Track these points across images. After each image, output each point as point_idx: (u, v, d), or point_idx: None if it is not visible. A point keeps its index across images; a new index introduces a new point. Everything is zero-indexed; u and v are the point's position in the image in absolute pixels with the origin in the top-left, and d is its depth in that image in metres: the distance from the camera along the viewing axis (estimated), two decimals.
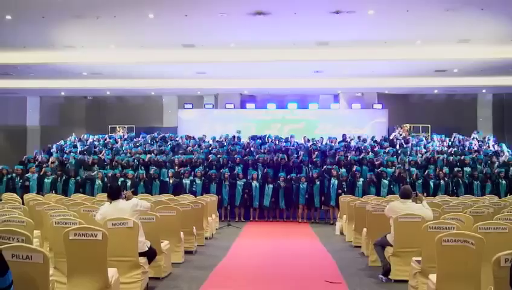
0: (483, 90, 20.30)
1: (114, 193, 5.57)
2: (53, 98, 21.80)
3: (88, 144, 16.66)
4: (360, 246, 8.33)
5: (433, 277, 4.52)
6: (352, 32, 12.76)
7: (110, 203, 5.57)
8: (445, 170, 13.32)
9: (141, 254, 5.26)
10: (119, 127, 19.11)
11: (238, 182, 12.90)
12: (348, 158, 13.96)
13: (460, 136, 17.46)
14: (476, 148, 15.95)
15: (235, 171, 13.35)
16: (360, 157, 14.06)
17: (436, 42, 13.60)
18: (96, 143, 16.81)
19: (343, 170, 13.06)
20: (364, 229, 7.88)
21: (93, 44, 13.94)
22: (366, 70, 16.76)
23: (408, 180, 12.83)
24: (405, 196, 6.26)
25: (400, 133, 17.87)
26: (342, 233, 10.39)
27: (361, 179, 12.82)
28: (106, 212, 5.43)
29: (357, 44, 13.77)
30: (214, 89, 20.27)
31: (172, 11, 11.29)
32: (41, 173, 13.06)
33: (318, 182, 12.78)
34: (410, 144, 16.17)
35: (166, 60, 15.36)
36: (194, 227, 8.07)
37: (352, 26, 12.24)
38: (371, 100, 20.37)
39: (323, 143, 16.00)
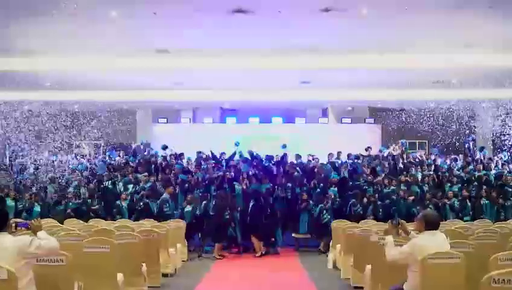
0: (483, 105, 19.07)
1: None
2: None
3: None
4: (361, 288, 6.54)
5: None
6: (344, 36, 11.34)
7: None
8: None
9: None
10: (85, 143, 17.33)
11: None
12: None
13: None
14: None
15: None
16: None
17: (434, 47, 12.20)
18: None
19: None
20: (368, 267, 6.11)
21: (55, 49, 12.22)
22: (357, 80, 15.38)
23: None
24: (434, 225, 4.42)
25: (395, 149, 16.44)
26: (335, 266, 8.74)
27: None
28: None
29: (348, 51, 12.33)
30: (191, 102, 18.69)
31: (137, 8, 9.71)
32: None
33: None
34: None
35: (138, 68, 13.60)
36: (143, 264, 6.33)
37: (343, 28, 10.82)
38: (362, 114, 19.02)
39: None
